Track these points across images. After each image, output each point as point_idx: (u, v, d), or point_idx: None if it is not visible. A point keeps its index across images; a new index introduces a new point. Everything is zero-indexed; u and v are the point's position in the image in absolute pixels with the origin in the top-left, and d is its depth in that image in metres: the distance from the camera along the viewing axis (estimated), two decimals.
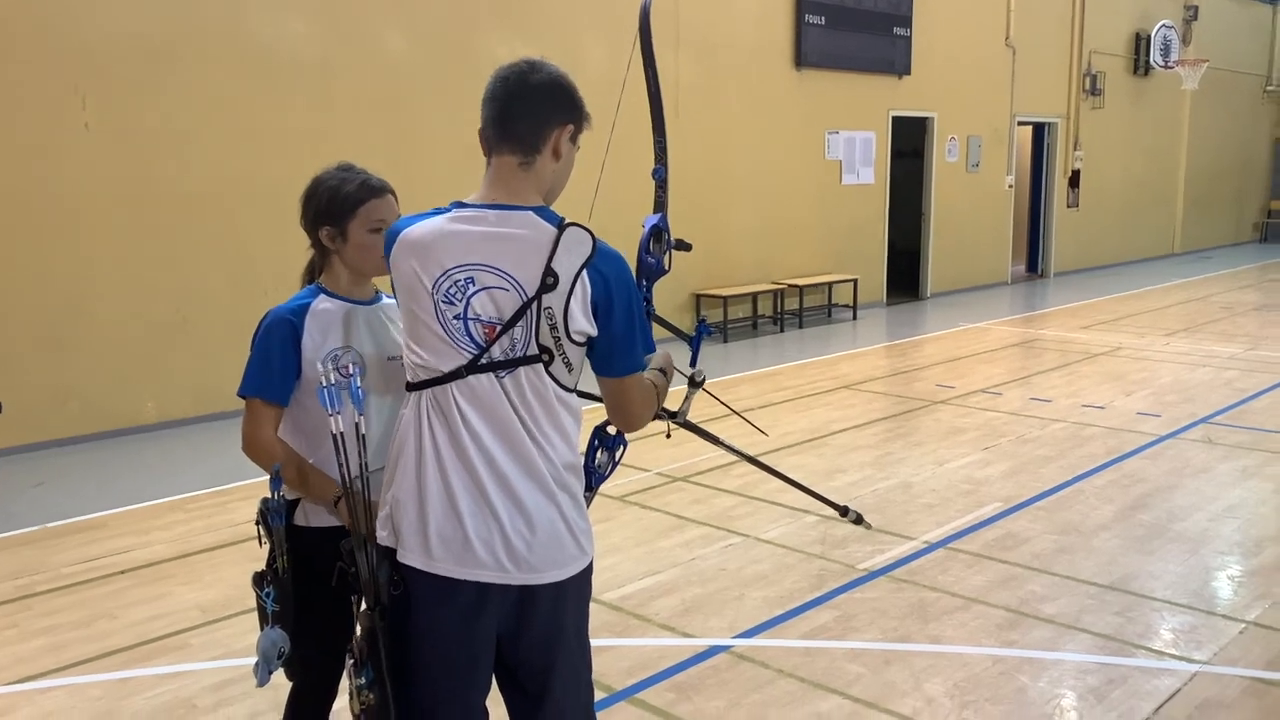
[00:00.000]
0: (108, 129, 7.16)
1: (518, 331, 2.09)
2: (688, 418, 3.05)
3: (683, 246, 2.94)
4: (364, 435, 2.28)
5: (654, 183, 2.92)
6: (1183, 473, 6.28)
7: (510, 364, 2.10)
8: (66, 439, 7.16)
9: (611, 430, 2.76)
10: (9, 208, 6.86)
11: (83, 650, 4.13)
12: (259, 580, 2.47)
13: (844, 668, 3.88)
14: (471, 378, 2.10)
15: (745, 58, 11.57)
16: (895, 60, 13.27)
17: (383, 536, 2.19)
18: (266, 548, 2.51)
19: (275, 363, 2.49)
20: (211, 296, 7.64)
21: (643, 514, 5.62)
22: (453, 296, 2.09)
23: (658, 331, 2.89)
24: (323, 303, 2.56)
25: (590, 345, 2.17)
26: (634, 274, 2.76)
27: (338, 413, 2.23)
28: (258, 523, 2.50)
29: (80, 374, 7.17)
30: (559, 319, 2.08)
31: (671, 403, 2.85)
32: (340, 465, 2.24)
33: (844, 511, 3.49)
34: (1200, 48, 18.79)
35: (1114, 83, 17.51)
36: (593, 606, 4.36)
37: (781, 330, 12.08)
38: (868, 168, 13.41)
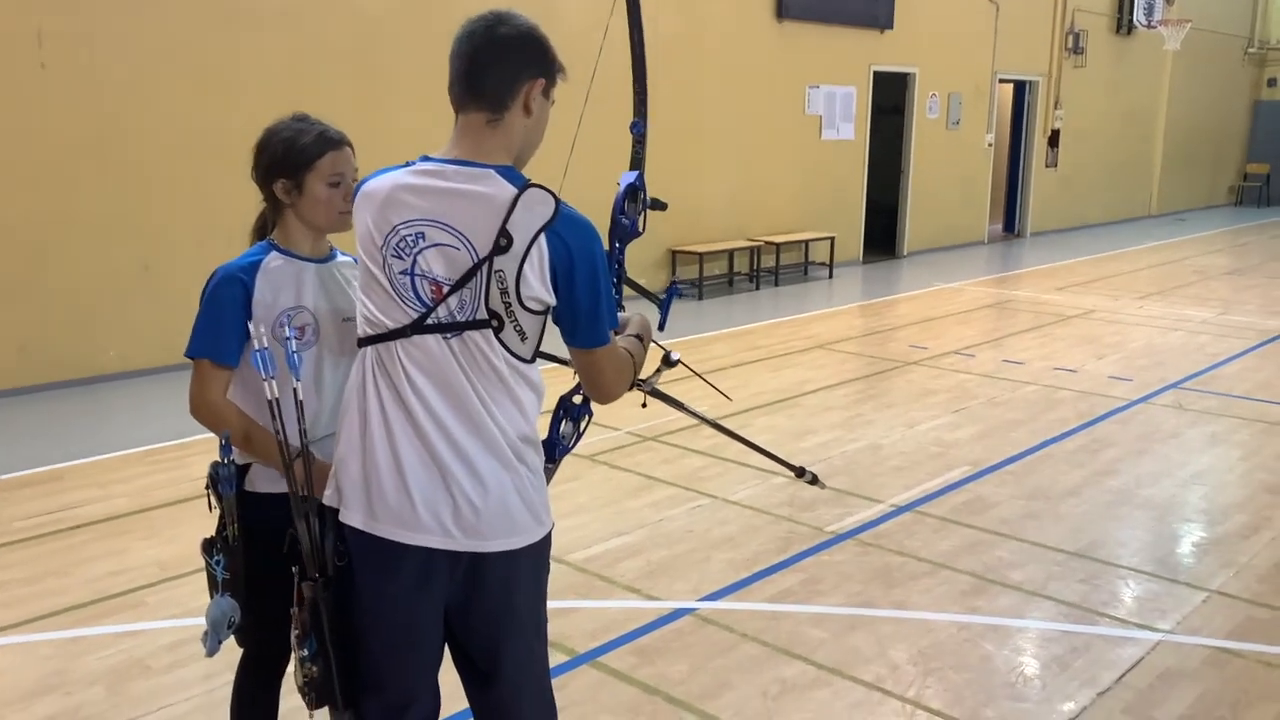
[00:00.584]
0: (65, 70, 6.94)
1: (466, 293, 2.00)
2: (656, 385, 2.96)
3: (658, 206, 2.82)
4: (301, 402, 2.18)
5: (632, 137, 2.80)
6: (1152, 438, 6.29)
7: (457, 327, 2.01)
8: (25, 387, 7.01)
9: (577, 400, 2.68)
10: None
11: (35, 607, 4.04)
12: (208, 547, 2.39)
13: (808, 633, 3.86)
14: (417, 337, 2.02)
15: (726, 7, 11.37)
16: (878, 14, 13.09)
17: (328, 495, 2.12)
18: (218, 513, 2.43)
19: (225, 322, 2.39)
20: (176, 244, 7.46)
21: (612, 474, 5.57)
22: (401, 250, 2.01)
23: (627, 293, 2.81)
24: (275, 260, 2.46)
25: (552, 314, 2.08)
26: (607, 236, 2.67)
27: (272, 377, 2.13)
28: (208, 488, 2.42)
29: (39, 322, 7.01)
30: (510, 283, 1.98)
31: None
32: (277, 432, 2.15)
33: (800, 472, 3.43)
34: (1183, 8, 18.65)
35: (1096, 42, 17.39)
36: (558, 568, 4.36)
37: (757, 288, 12.01)
38: (848, 123, 13.27)
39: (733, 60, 11.54)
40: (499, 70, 2.03)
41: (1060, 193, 17.49)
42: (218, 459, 2.41)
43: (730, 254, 11.84)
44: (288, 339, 2.21)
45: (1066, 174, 17.49)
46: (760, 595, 4.16)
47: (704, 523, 4.92)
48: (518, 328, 2.02)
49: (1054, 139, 17.12)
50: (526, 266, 1.98)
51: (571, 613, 3.98)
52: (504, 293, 1.98)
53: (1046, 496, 5.29)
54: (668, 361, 2.85)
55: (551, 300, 2.03)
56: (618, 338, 2.26)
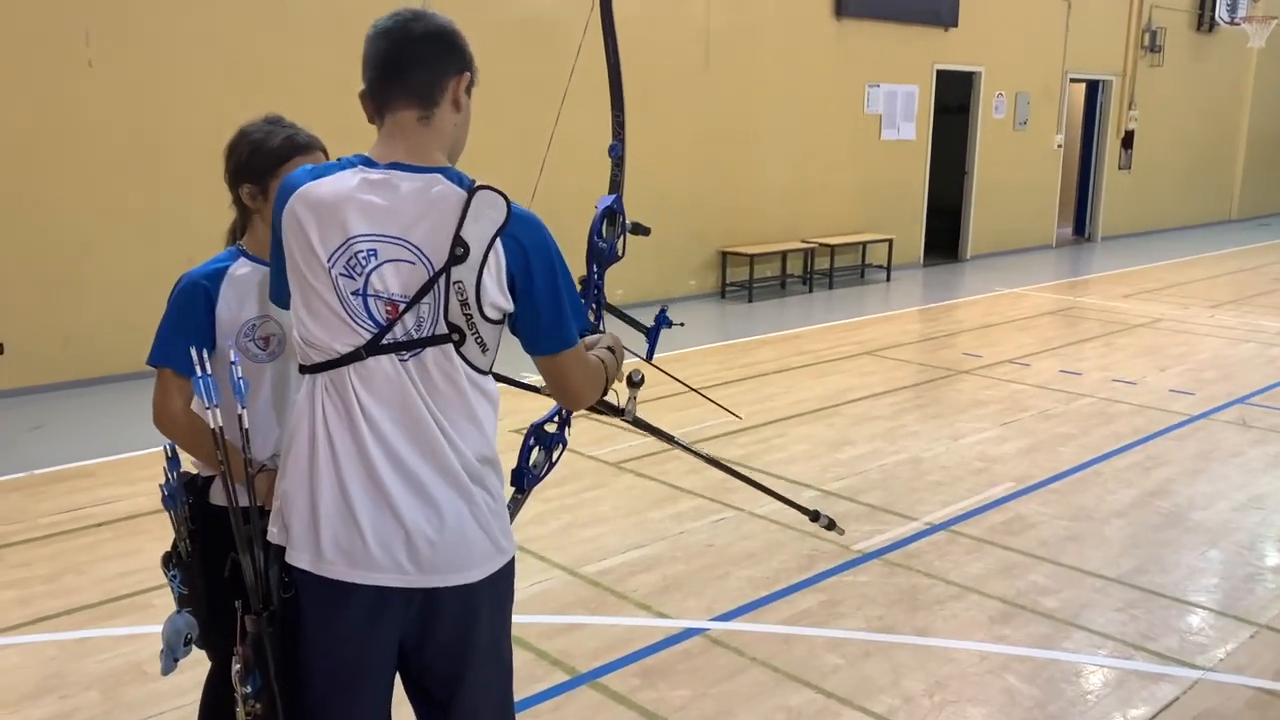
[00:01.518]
0: (112, 67, 7.02)
1: (424, 308, 1.88)
2: (636, 415, 2.85)
3: (640, 230, 2.72)
4: (247, 429, 2.09)
5: (610, 160, 2.70)
6: (1210, 457, 5.98)
7: (415, 344, 1.90)
8: (70, 382, 7.12)
9: (550, 429, 2.57)
10: (10, 146, 6.76)
11: (48, 605, 4.06)
12: (166, 562, 2.33)
13: (822, 658, 3.69)
14: (371, 360, 1.90)
15: (782, 5, 11.14)
16: (941, 11, 12.76)
17: (273, 534, 2.01)
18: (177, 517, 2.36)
19: (187, 331, 2.32)
20: (219, 242, 7.48)
21: (636, 482, 5.44)
22: (352, 270, 1.89)
23: (613, 323, 2.70)
24: (241, 267, 2.38)
25: (511, 321, 1.97)
26: (586, 257, 2.57)
27: (215, 406, 2.02)
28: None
29: (84, 317, 7.11)
30: (470, 294, 1.87)
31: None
32: (220, 461, 2.06)
33: (814, 516, 3.27)
34: (1270, 4, 17.91)
35: (1175, 39, 16.76)
36: (570, 580, 4.26)
37: (811, 291, 11.78)
38: (909, 123, 12.96)
39: (789, 58, 11.31)
40: (425, 65, 1.93)
41: (1134, 195, 16.91)
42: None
43: (783, 255, 11.62)
44: (234, 362, 2.10)
45: (1141, 176, 16.90)
46: (776, 616, 4.01)
47: (726, 537, 4.77)
48: (479, 339, 1.92)
49: (1128, 140, 16.55)
50: (485, 275, 1.87)
51: (577, 629, 3.87)
52: (464, 304, 1.88)
53: (1091, 517, 5.04)
54: (631, 382, 2.72)
55: (510, 307, 1.93)
56: (588, 350, 2.15)
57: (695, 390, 3.43)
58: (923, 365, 8.25)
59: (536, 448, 2.54)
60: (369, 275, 1.88)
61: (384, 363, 1.90)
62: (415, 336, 1.90)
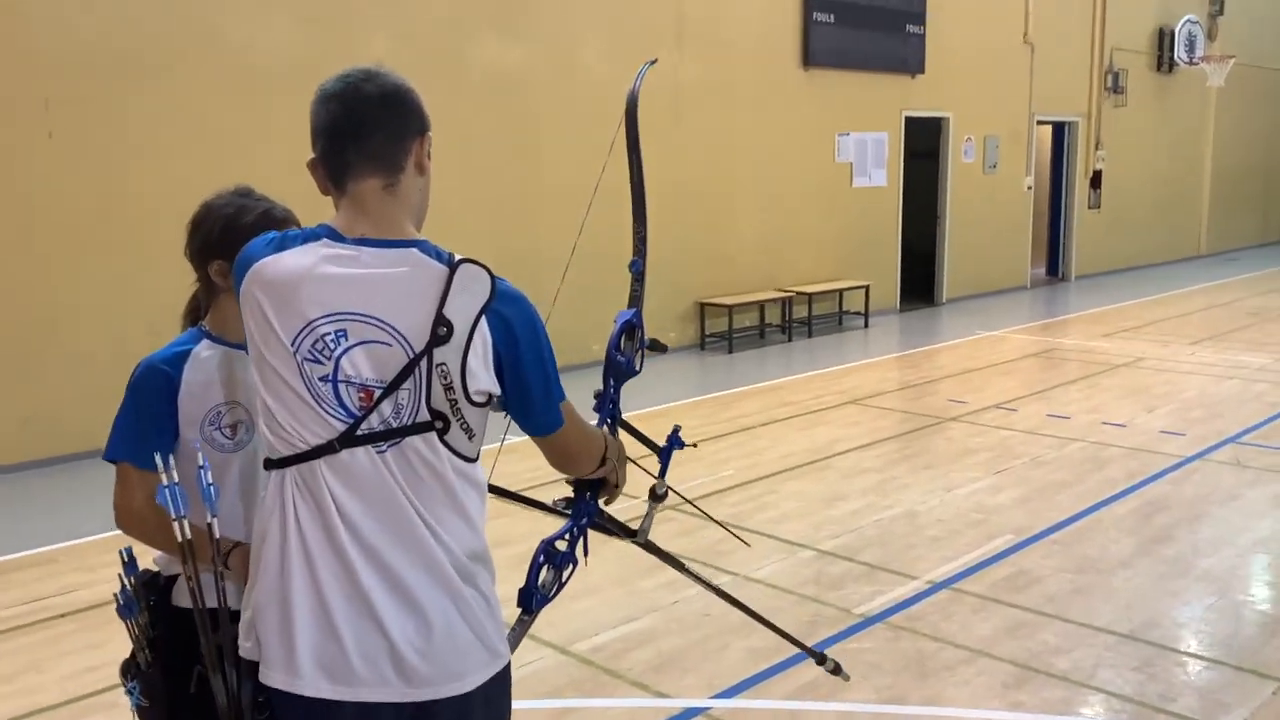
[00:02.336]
0: (73, 138, 6.85)
1: (403, 395, 1.72)
2: (649, 537, 2.72)
3: (657, 348, 2.64)
4: (218, 540, 1.90)
5: (630, 275, 2.62)
6: (1209, 500, 5.86)
7: (394, 434, 1.73)
8: (29, 462, 6.85)
9: (561, 546, 2.42)
10: None
11: (5, 708, 3.80)
12: (124, 671, 2.13)
13: None
14: (345, 452, 1.73)
15: (750, 56, 11.17)
16: (908, 59, 12.84)
17: (246, 648, 1.82)
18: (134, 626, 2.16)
19: (148, 421, 2.14)
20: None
21: (626, 549, 5.18)
22: (319, 354, 1.72)
23: (628, 443, 2.58)
24: (205, 349, 2.21)
25: (500, 402, 1.82)
26: (603, 371, 2.48)
27: (183, 517, 1.83)
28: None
29: (44, 395, 6.86)
30: (455, 377, 1.72)
31: (619, 508, 2.56)
32: (190, 578, 1.87)
33: (820, 659, 3.13)
34: (1226, 43, 18.24)
35: (1137, 80, 16.99)
36: (562, 660, 4.04)
37: (790, 339, 11.68)
38: (880, 170, 12.98)
39: (759, 109, 11.31)
40: (384, 129, 1.79)
41: (1105, 234, 17.02)
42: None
43: (761, 305, 11.53)
44: (202, 467, 1.91)
45: (1111, 215, 17.03)
46: (779, 691, 3.82)
47: (722, 605, 4.48)
48: (464, 425, 1.76)
49: (1096, 180, 16.69)
50: (470, 356, 1.72)
51: (571, 714, 3.67)
52: (448, 388, 1.72)
53: (1096, 569, 4.89)
54: (655, 496, 2.62)
55: (496, 390, 1.78)
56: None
57: (713, 518, 3.34)
58: (908, 413, 8.13)
59: (546, 566, 2.38)
60: (339, 359, 1.72)
61: (359, 455, 1.73)
62: (394, 425, 1.73)
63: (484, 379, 1.75)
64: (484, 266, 1.75)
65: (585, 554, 2.53)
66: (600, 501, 2.43)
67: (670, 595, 4.67)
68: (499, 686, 1.88)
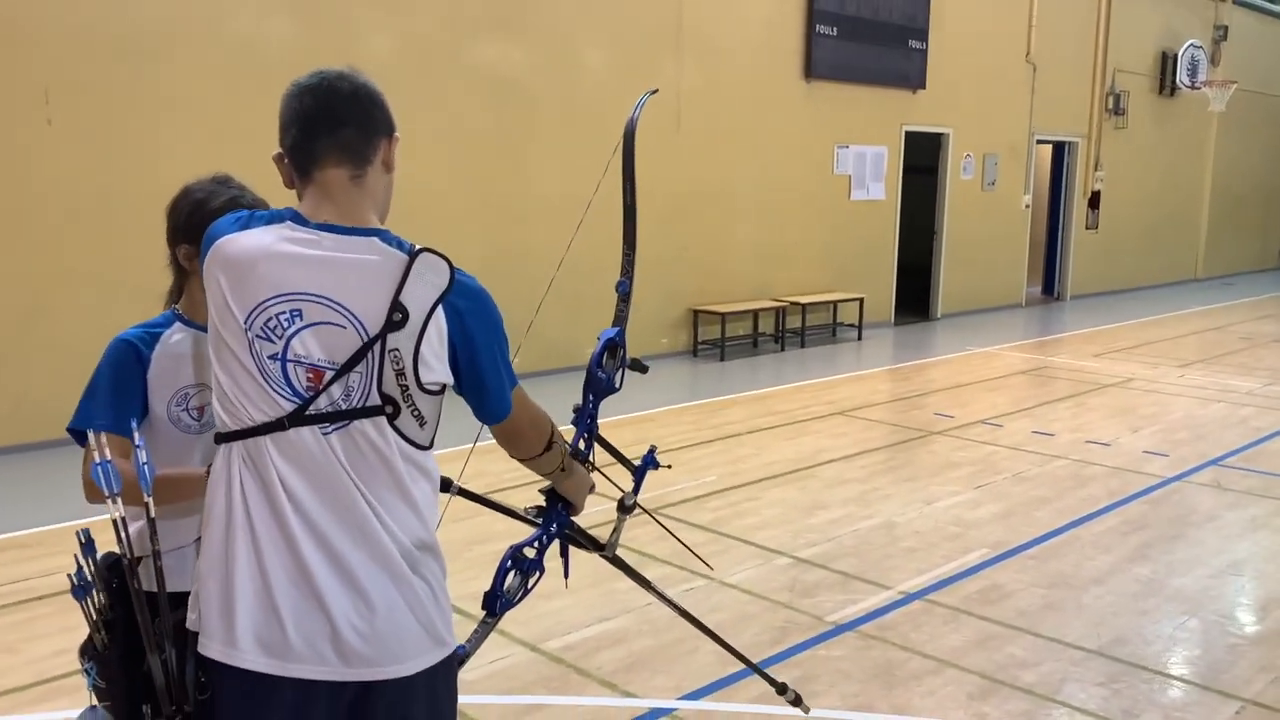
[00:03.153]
0: (71, 126, 6.89)
1: (354, 378, 1.75)
2: (617, 551, 2.78)
3: (637, 367, 2.70)
4: (154, 519, 1.93)
5: (617, 295, 2.69)
6: (1187, 521, 5.89)
7: (342, 416, 1.76)
8: (18, 445, 6.88)
9: (529, 553, 2.46)
10: None
11: None
12: (83, 653, 2.16)
13: None
14: (292, 431, 1.76)
15: (751, 67, 11.22)
16: (910, 74, 12.89)
17: (191, 620, 1.85)
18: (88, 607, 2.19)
19: (120, 392, 2.18)
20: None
21: None
22: (271, 331, 1.75)
23: (602, 456, 2.65)
24: (176, 332, 2.26)
25: (454, 388, 1.86)
26: (583, 386, 2.56)
27: (116, 494, 1.86)
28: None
29: (35, 380, 6.89)
30: (407, 364, 1.75)
31: (587, 522, 2.62)
32: (123, 554, 1.90)
33: (782, 689, 3.17)
34: (1229, 68, 18.30)
35: (1138, 103, 17.06)
36: (531, 657, 4.07)
37: (782, 349, 11.71)
38: (878, 183, 13.03)
39: (759, 120, 11.36)
40: (356, 123, 1.85)
41: (1102, 255, 17.07)
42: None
43: (755, 314, 11.57)
44: (138, 446, 1.93)
45: (1108, 236, 17.08)
46: (746, 694, 3.84)
47: (695, 608, 4.55)
48: (415, 412, 1.79)
49: (1094, 200, 16.75)
50: (424, 344, 1.76)
51: (537, 710, 3.69)
52: (400, 374, 1.76)
53: (1069, 585, 4.92)
54: (623, 508, 2.68)
55: (449, 380, 1.82)
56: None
57: (676, 537, 3.41)
58: (895, 426, 8.16)
59: (513, 572, 2.42)
60: (290, 338, 1.76)
61: (305, 435, 1.76)
62: (343, 408, 1.77)
63: (437, 370, 1.79)
64: (443, 257, 1.78)
65: (566, 575, 2.60)
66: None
67: (644, 597, 4.66)
68: (444, 676, 1.91)
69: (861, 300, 12.48)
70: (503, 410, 1.93)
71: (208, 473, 1.90)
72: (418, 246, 1.79)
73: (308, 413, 1.76)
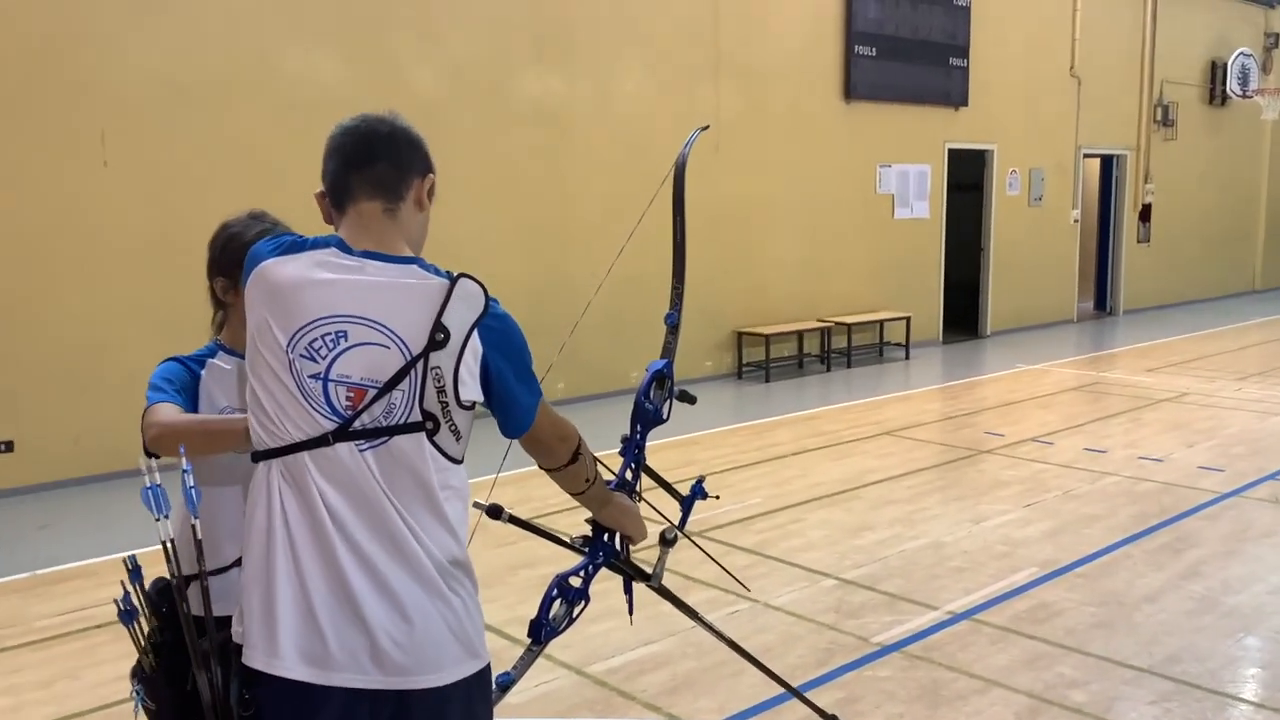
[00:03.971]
0: (127, 167, 7.12)
1: (397, 395, 1.83)
2: (663, 583, 2.82)
3: (685, 398, 2.75)
4: (200, 540, 2.00)
5: (665, 327, 2.77)
6: (1243, 537, 5.77)
7: (382, 432, 1.83)
8: (79, 479, 7.07)
9: (575, 582, 2.52)
10: (26, 243, 6.84)
11: (39, 713, 3.94)
12: (133, 675, 2.23)
13: None
14: (331, 448, 1.83)
15: (790, 89, 11.26)
16: (951, 91, 12.85)
17: (236, 633, 1.92)
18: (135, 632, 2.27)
19: (174, 387, 2.27)
20: None
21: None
22: (316, 352, 1.83)
23: (650, 486, 2.71)
24: (221, 360, 2.35)
25: (485, 405, 1.93)
26: (631, 417, 2.65)
27: (165, 517, 1.94)
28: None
29: (95, 414, 7.09)
30: (448, 381, 1.83)
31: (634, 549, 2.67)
32: (172, 575, 1.97)
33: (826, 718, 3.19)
34: None
35: (1188, 113, 16.82)
36: (576, 680, 4.11)
37: (828, 370, 11.67)
38: (922, 201, 12.98)
39: (799, 141, 11.39)
40: (392, 160, 1.95)
41: (1155, 268, 16.80)
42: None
43: (799, 335, 11.55)
44: (185, 470, 2.01)
45: (1161, 249, 16.81)
46: (791, 716, 3.83)
47: (740, 630, 4.60)
48: (453, 427, 1.87)
49: (1145, 213, 16.51)
50: (462, 364, 1.84)
51: None
52: (440, 391, 1.83)
53: (1120, 603, 4.84)
54: (665, 541, 2.72)
55: (480, 398, 1.90)
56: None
57: (716, 561, 3.49)
58: (944, 445, 8.09)
59: (559, 600, 2.48)
60: (334, 359, 1.83)
61: (342, 451, 1.83)
62: (384, 424, 1.84)
63: (472, 387, 1.86)
64: (480, 284, 1.87)
65: (631, 612, 2.66)
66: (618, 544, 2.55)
67: (688, 620, 4.69)
68: (479, 687, 1.96)
69: (908, 319, 12.41)
70: (527, 423, 1.99)
71: (246, 434, 1.95)
72: (455, 273, 1.87)
73: (350, 429, 1.83)
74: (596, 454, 2.24)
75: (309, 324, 1.83)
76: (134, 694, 2.18)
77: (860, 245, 12.28)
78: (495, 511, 2.51)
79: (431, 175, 2.00)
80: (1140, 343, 13.53)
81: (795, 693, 3.31)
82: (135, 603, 2.16)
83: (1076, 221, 15.36)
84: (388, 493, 1.84)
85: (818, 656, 4.34)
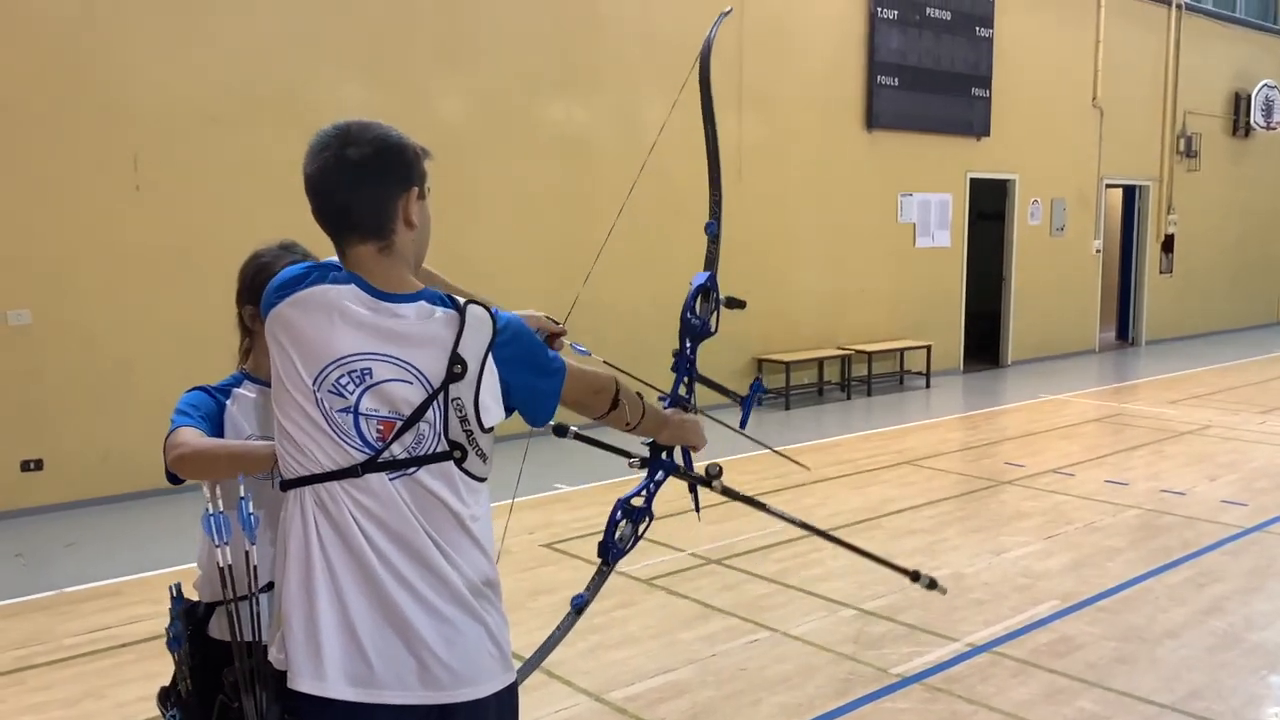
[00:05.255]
0: (159, 192, 7.24)
1: (424, 427, 1.88)
2: (725, 484, 2.75)
3: (735, 304, 2.71)
4: (255, 566, 2.05)
5: (706, 237, 2.72)
6: (1267, 572, 5.73)
7: (412, 462, 1.89)
8: (107, 497, 7.16)
9: (637, 502, 2.57)
10: (58, 263, 6.96)
11: None
12: (164, 699, 2.27)
13: None
14: (365, 477, 1.88)
15: (813, 118, 11.33)
16: (973, 121, 12.89)
17: (278, 659, 1.96)
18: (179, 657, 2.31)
19: (198, 413, 2.32)
20: None
21: (667, 600, 5.31)
22: (342, 389, 1.87)
23: (704, 393, 2.71)
24: (246, 389, 2.40)
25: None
26: (679, 332, 2.64)
27: (225, 543, 1.99)
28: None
29: (123, 432, 7.18)
30: (469, 411, 1.89)
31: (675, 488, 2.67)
32: (227, 599, 2.01)
33: (915, 576, 3.11)
34: None
35: (1211, 144, 16.80)
36: (596, 708, 4.13)
37: (849, 398, 11.67)
38: (944, 230, 13.00)
39: (821, 170, 11.45)
40: (366, 198, 1.91)
41: (1178, 299, 16.74)
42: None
43: (820, 362, 11.56)
44: (244, 498, 2.07)
45: (1184, 280, 16.76)
46: None
47: (759, 659, 4.62)
48: (479, 452, 1.94)
49: (1168, 244, 16.47)
50: (483, 390, 1.90)
51: None
52: (463, 420, 1.89)
53: (1142, 638, 4.82)
54: (709, 474, 2.65)
55: (504, 415, 1.95)
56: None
57: (768, 446, 3.36)
58: (964, 475, 8.08)
59: (624, 521, 2.54)
60: (361, 394, 1.87)
61: (374, 480, 1.88)
62: (413, 454, 1.89)
63: (494, 411, 1.92)
64: (484, 306, 1.93)
65: (697, 509, 2.69)
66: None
67: (708, 648, 4.72)
68: (509, 699, 2.03)
69: (929, 348, 12.40)
70: (554, 406, 2.04)
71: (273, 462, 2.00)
72: (462, 301, 1.92)
73: (379, 459, 1.88)
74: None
75: (334, 362, 1.87)
76: (168, 718, 2.21)
77: (881, 274, 12.30)
78: (560, 430, 2.61)
79: (414, 187, 1.94)
80: (1163, 374, 13.46)
81: (878, 559, 3.24)
82: (180, 630, 2.20)
83: (1098, 252, 15.33)
84: (419, 519, 1.89)
85: (836, 687, 4.34)
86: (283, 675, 1.94)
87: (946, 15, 12.36)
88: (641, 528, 2.60)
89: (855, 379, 11.83)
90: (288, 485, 1.93)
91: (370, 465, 1.87)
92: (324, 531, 1.89)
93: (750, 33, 10.62)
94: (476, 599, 1.93)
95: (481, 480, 1.96)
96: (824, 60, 11.38)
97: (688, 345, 2.63)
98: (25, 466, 6.96)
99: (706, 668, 4.51)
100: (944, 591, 3.24)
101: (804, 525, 3.01)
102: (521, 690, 2.11)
